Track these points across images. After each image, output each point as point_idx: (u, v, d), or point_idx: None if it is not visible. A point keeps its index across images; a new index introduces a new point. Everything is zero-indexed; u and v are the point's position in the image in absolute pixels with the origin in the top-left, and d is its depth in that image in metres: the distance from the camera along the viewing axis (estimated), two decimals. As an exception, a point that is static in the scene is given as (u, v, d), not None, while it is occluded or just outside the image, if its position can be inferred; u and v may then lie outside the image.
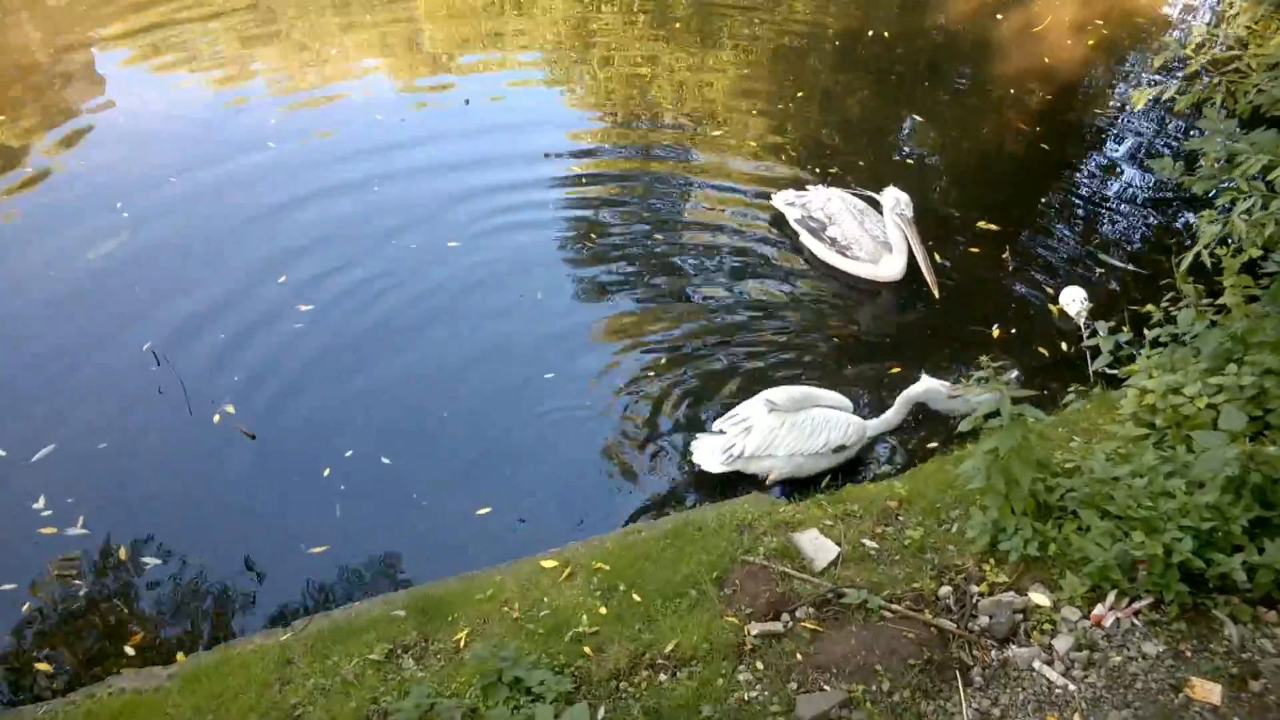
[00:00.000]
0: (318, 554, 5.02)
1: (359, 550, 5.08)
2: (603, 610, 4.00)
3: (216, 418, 5.81)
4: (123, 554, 5.02)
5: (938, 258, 6.92)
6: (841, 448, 5.36)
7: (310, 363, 6.31)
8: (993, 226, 7.56)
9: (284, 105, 9.71)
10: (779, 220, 7.61)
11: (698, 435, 5.57)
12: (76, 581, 4.88)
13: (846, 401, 5.54)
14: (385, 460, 5.56)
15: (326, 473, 5.47)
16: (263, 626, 4.57)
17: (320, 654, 3.96)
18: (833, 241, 7.06)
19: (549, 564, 4.36)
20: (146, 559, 5.01)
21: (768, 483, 5.36)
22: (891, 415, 5.48)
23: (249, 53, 11.04)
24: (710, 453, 5.39)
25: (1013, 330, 6.54)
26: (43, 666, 4.45)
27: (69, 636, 4.66)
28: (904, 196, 6.70)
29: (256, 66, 10.66)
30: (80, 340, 6.45)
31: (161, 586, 4.90)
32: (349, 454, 5.59)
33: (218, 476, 5.51)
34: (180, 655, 4.39)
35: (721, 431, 5.43)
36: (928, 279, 6.67)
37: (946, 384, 5.39)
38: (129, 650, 4.53)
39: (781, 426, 5.25)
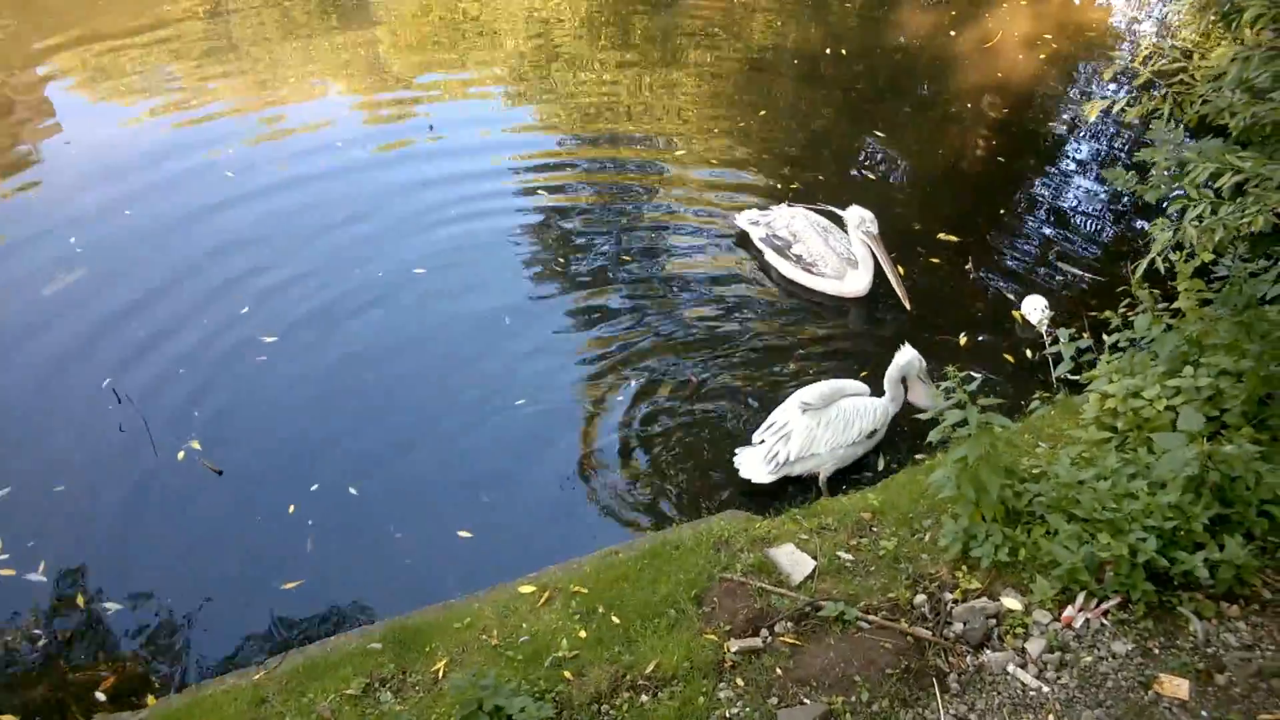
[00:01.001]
0: (290, 589, 4.97)
1: (332, 584, 5.03)
2: (582, 633, 4.01)
3: (181, 454, 5.75)
4: (82, 599, 4.94)
5: (901, 270, 7.02)
6: (874, 432, 5.57)
7: (276, 394, 6.27)
8: (953, 238, 7.69)
9: (242, 133, 9.64)
10: (744, 239, 7.68)
11: (737, 450, 5.65)
12: (39, 629, 4.79)
13: (864, 386, 5.74)
14: (354, 491, 5.53)
15: (296, 507, 5.42)
16: (236, 666, 4.50)
17: (295, 691, 3.92)
18: (798, 259, 7.14)
19: (527, 589, 4.35)
20: (113, 602, 4.93)
21: (821, 480, 5.54)
22: (891, 394, 5.65)
23: (205, 81, 10.96)
24: (755, 464, 5.50)
25: (980, 338, 6.65)
26: (8, 718, 4.37)
27: (38, 684, 4.56)
28: (868, 214, 6.79)
29: (213, 95, 10.58)
30: (37, 378, 6.36)
31: (132, 629, 4.83)
32: (319, 486, 5.55)
33: (185, 514, 5.45)
34: (151, 699, 4.33)
35: (761, 441, 5.55)
36: (899, 292, 6.77)
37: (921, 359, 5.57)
38: (100, 695, 4.45)
39: (818, 425, 5.43)
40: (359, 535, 5.30)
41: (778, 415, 5.59)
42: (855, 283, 7.01)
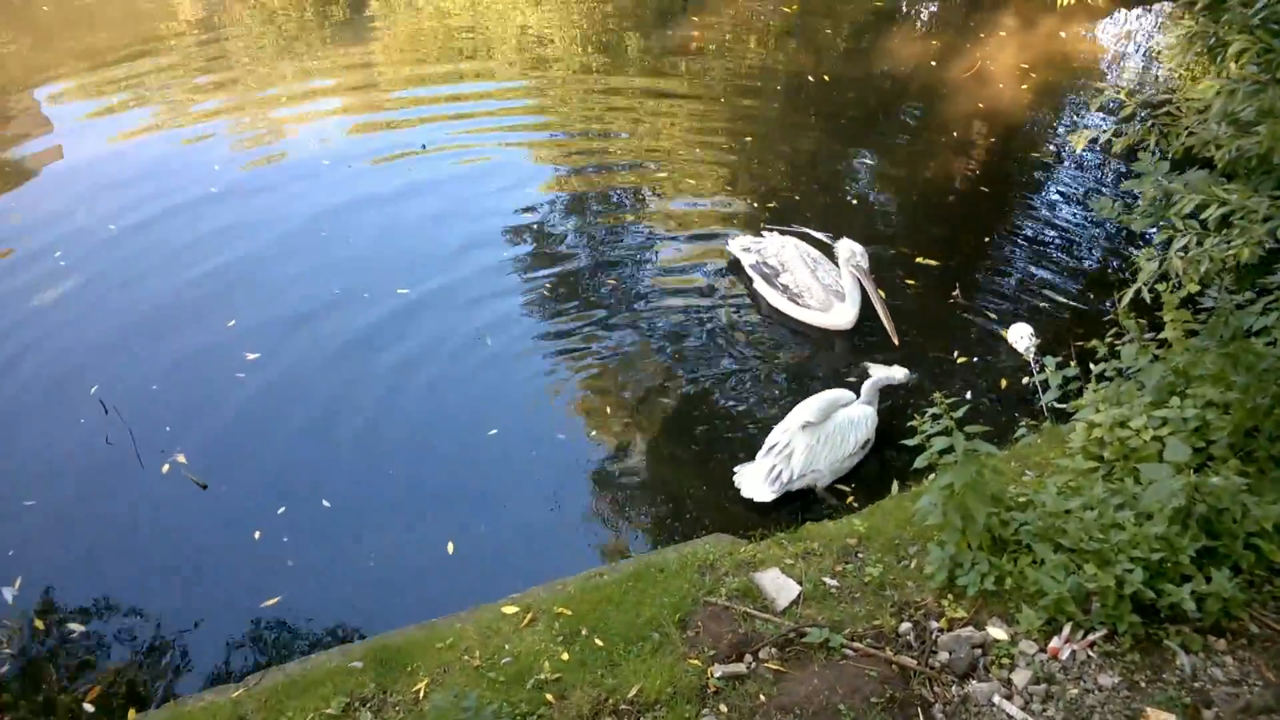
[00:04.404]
0: (271, 605, 4.93)
1: (313, 600, 5.00)
2: (565, 656, 3.97)
3: (166, 467, 5.72)
4: (63, 610, 4.90)
5: (884, 294, 7.05)
6: (867, 441, 5.70)
7: (262, 410, 6.24)
8: (933, 261, 7.71)
9: (232, 151, 9.64)
10: (735, 265, 7.65)
11: (736, 469, 5.68)
12: (23, 638, 4.75)
13: (850, 394, 5.89)
14: (337, 509, 5.50)
15: (278, 523, 5.40)
16: (215, 682, 4.46)
17: (274, 709, 3.87)
18: (785, 289, 7.11)
19: (510, 610, 4.32)
20: (94, 615, 4.89)
21: (819, 490, 5.65)
22: (867, 398, 5.90)
23: (199, 98, 10.97)
24: (757, 483, 5.54)
25: (969, 362, 6.68)
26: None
27: (21, 694, 4.51)
28: (859, 247, 6.76)
29: (206, 112, 10.59)
30: (24, 393, 6.33)
31: (113, 642, 4.78)
32: (302, 503, 5.52)
33: (168, 527, 5.41)
34: (132, 711, 4.28)
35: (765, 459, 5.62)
36: (887, 327, 6.74)
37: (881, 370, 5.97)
38: (89, 707, 4.41)
39: (818, 442, 5.53)
40: (341, 553, 5.26)
41: (779, 435, 5.62)
42: (840, 316, 6.98)
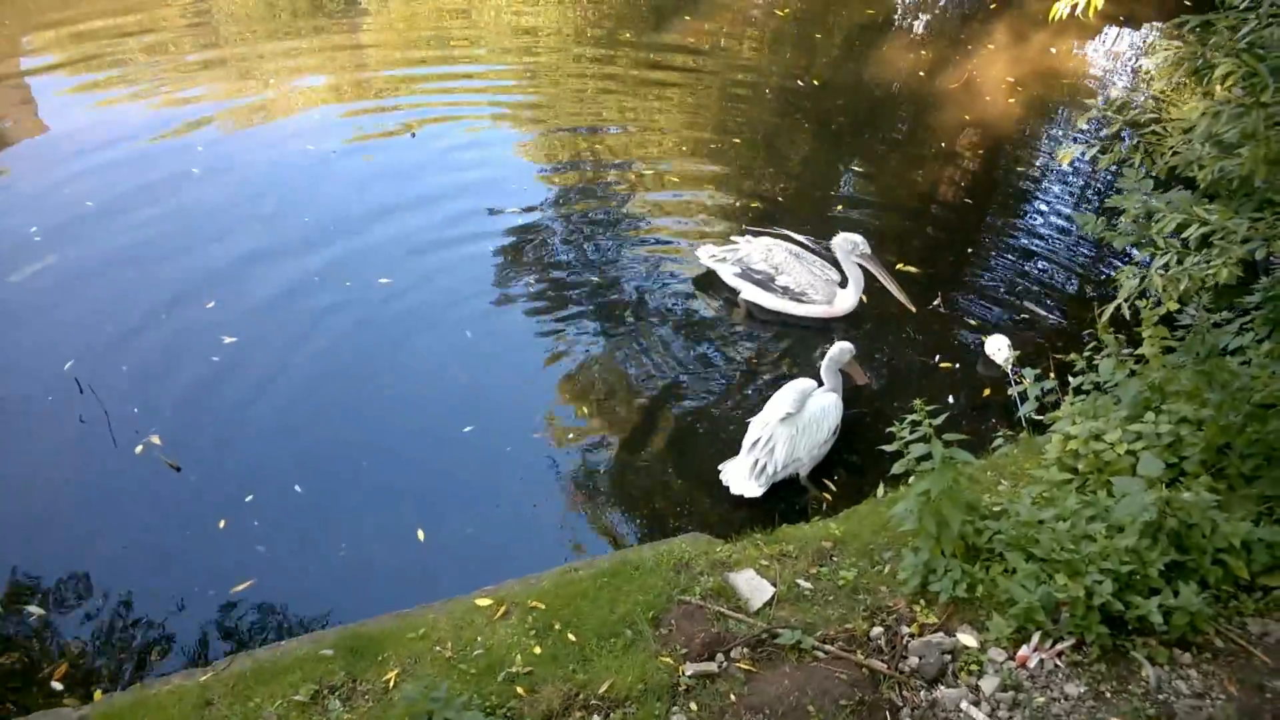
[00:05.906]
0: (242, 590, 4.91)
1: (284, 587, 4.98)
2: (537, 650, 3.97)
3: (140, 448, 5.67)
4: (31, 590, 4.87)
5: (866, 298, 7.12)
6: (836, 427, 5.79)
7: (235, 394, 6.20)
8: (912, 269, 7.76)
9: (216, 131, 9.55)
10: (708, 273, 7.55)
11: (721, 467, 5.70)
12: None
13: (813, 382, 5.95)
14: (310, 495, 5.48)
15: (250, 507, 5.38)
16: (183, 666, 4.43)
17: (242, 695, 3.85)
18: (785, 290, 7.13)
19: (483, 602, 4.31)
20: (62, 595, 4.86)
21: (803, 479, 5.76)
22: (831, 384, 5.96)
23: (187, 77, 10.86)
24: (743, 479, 5.58)
25: (955, 366, 6.73)
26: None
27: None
28: (857, 237, 6.91)
29: (192, 91, 10.48)
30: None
31: (80, 623, 4.75)
32: (272, 489, 5.50)
33: (140, 509, 5.37)
34: (98, 692, 4.26)
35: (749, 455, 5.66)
36: (902, 299, 6.96)
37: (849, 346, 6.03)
38: (56, 685, 4.39)
39: (797, 432, 5.59)
40: (312, 540, 5.24)
41: (759, 430, 5.64)
42: (844, 302, 7.13)
